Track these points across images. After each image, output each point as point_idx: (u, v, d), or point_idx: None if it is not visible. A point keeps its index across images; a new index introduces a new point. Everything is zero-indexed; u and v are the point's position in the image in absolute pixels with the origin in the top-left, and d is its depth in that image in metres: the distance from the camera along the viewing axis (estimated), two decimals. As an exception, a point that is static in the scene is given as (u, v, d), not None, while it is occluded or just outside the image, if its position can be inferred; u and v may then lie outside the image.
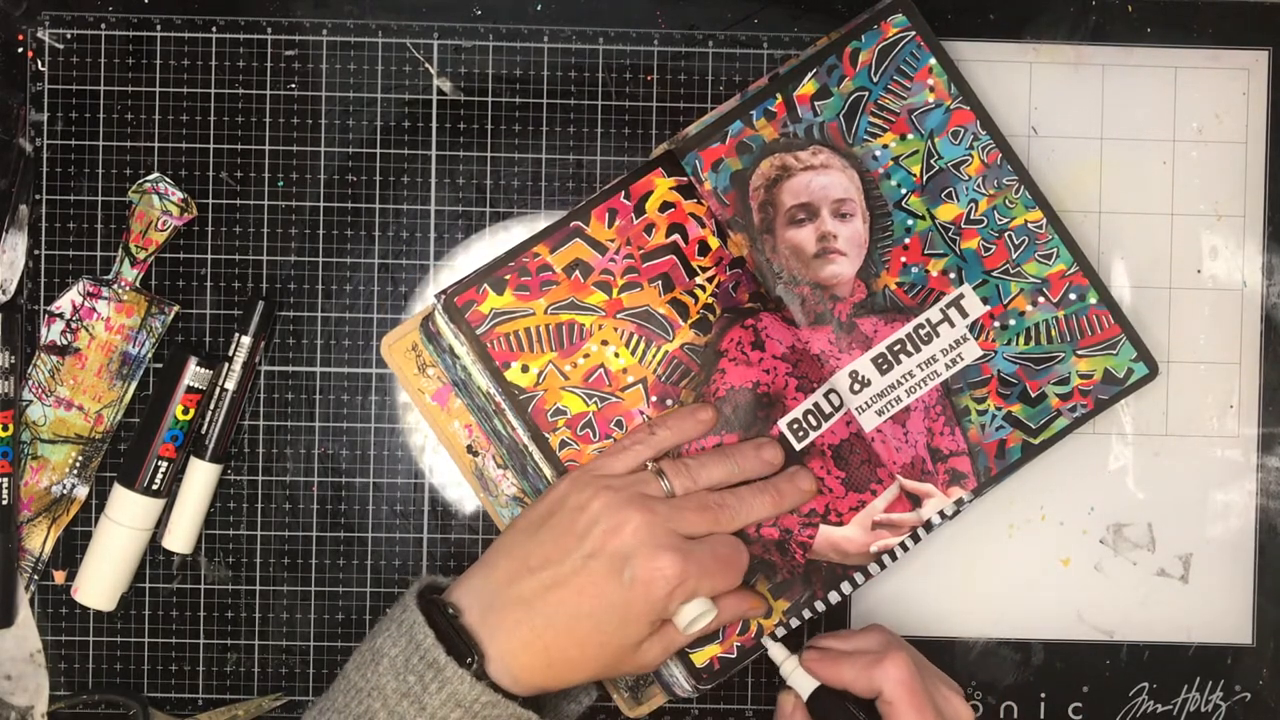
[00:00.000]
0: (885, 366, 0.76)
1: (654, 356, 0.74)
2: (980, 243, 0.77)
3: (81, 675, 0.79)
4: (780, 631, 0.74)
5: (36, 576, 0.79)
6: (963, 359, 0.76)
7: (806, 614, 0.74)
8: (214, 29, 0.79)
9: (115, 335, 0.78)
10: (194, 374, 0.77)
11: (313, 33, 0.79)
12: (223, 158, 0.79)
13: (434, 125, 0.80)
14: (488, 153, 0.80)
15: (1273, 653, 0.81)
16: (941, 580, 0.80)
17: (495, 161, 0.80)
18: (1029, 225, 0.77)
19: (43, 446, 0.78)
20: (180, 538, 0.78)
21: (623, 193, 0.74)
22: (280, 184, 0.79)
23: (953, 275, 0.76)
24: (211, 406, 0.78)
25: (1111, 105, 0.80)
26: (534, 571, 0.67)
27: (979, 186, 0.77)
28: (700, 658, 0.73)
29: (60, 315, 0.78)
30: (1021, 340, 0.77)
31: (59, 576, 0.79)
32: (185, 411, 0.77)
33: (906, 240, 0.76)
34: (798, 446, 0.75)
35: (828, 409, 0.75)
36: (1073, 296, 0.77)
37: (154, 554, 0.79)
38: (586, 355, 0.74)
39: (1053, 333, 0.77)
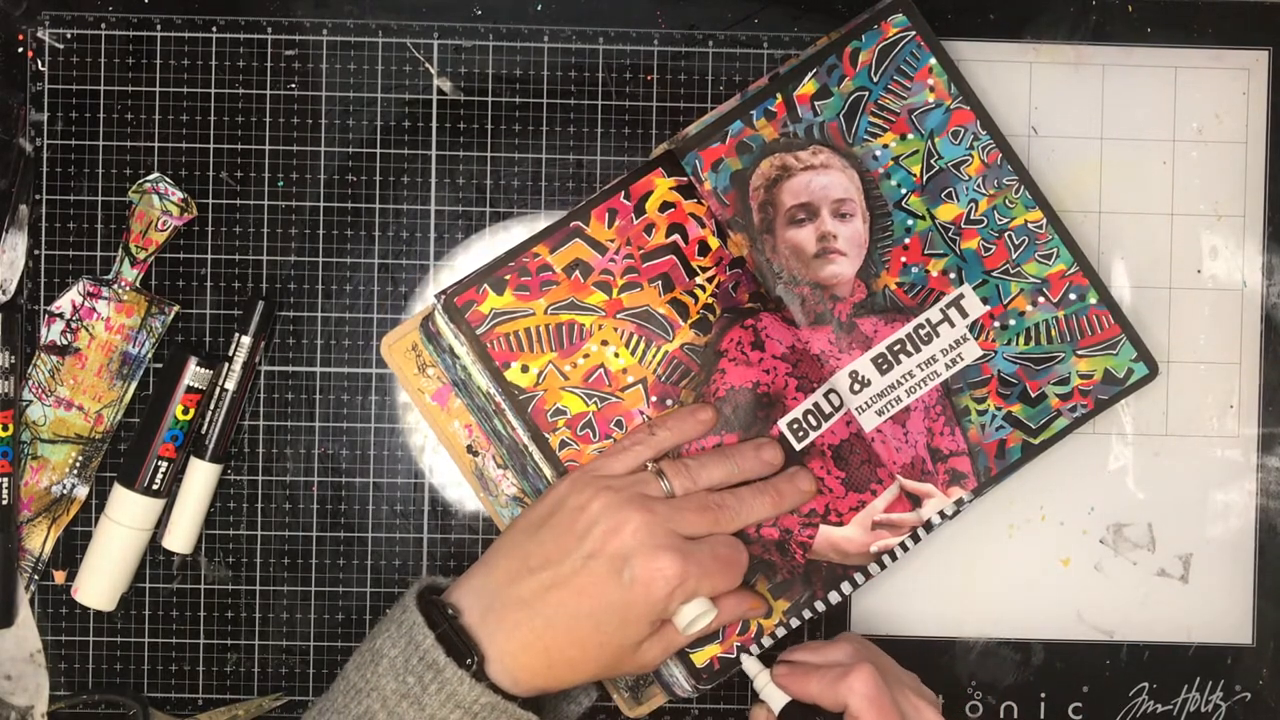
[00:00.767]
0: (885, 366, 0.76)
1: (654, 357, 0.74)
2: (980, 243, 0.77)
3: (81, 675, 0.79)
4: (781, 631, 0.74)
5: (36, 576, 0.79)
6: (963, 359, 0.76)
7: (807, 614, 0.74)
8: (214, 29, 0.79)
9: (115, 335, 0.78)
10: (194, 374, 0.77)
11: (313, 33, 0.79)
12: (223, 158, 0.79)
13: (434, 125, 0.80)
14: (488, 153, 0.80)
15: (1273, 653, 0.81)
16: (941, 580, 0.80)
17: (495, 161, 0.80)
18: (1029, 225, 0.77)
19: (43, 446, 0.78)
20: (180, 538, 0.78)
21: (623, 193, 0.74)
22: (280, 184, 0.79)
23: (953, 275, 0.76)
24: (211, 406, 0.78)
25: (1111, 105, 0.80)
26: (534, 572, 0.67)
27: (979, 186, 0.77)
28: (700, 658, 0.73)
29: (60, 315, 0.78)
30: (1021, 340, 0.77)
31: (59, 576, 0.79)
32: (185, 411, 0.77)
33: (906, 240, 0.76)
34: (798, 446, 0.75)
35: (828, 409, 0.75)
36: (1073, 296, 0.77)
37: (154, 554, 0.79)
38: (586, 355, 0.74)
39: (1053, 333, 0.77)
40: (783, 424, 0.74)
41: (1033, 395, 0.76)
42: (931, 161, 0.76)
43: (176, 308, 0.79)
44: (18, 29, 0.79)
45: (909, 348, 0.76)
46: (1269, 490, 0.81)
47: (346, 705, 0.66)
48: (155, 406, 0.77)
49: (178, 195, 0.78)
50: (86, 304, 0.78)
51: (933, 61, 0.76)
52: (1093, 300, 0.77)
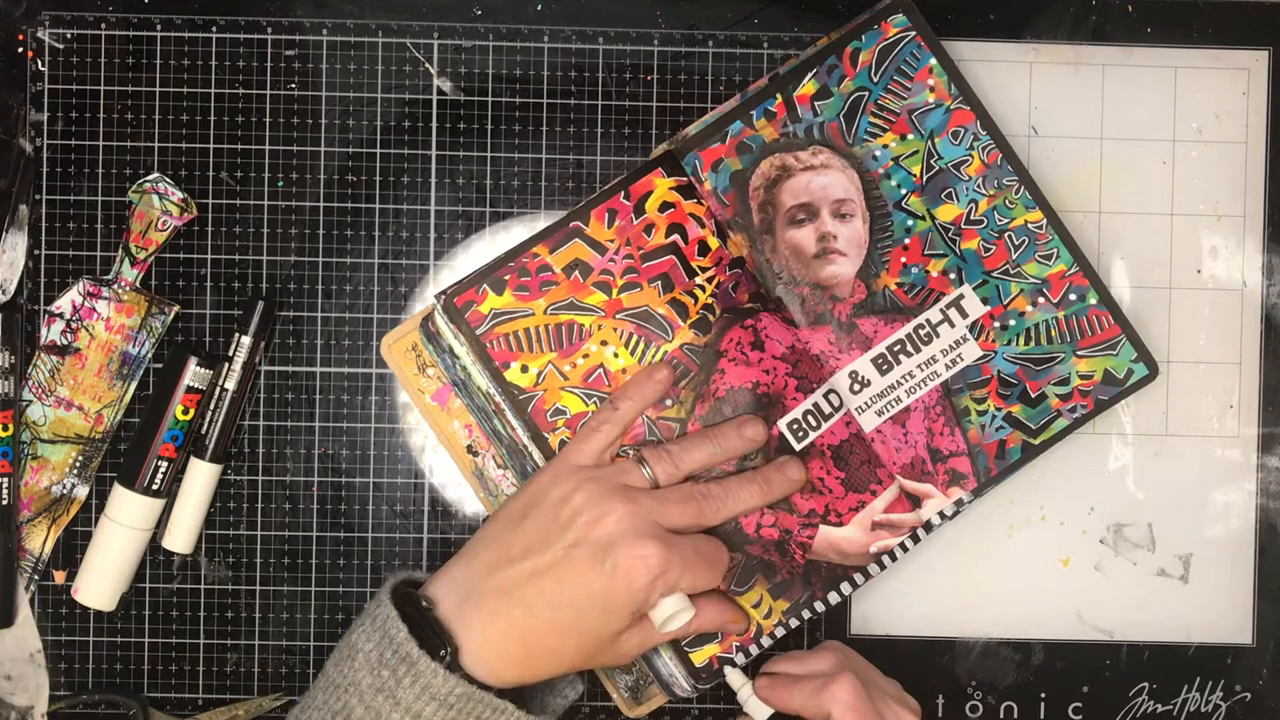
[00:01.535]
0: (885, 367, 0.76)
1: (653, 357, 0.74)
2: (980, 243, 0.77)
3: (81, 675, 0.79)
4: (780, 632, 0.74)
5: (36, 576, 0.79)
6: (963, 359, 0.76)
7: (806, 614, 0.74)
8: (214, 29, 0.79)
9: (115, 335, 0.78)
10: (194, 374, 0.77)
11: (313, 33, 0.79)
12: (223, 158, 0.79)
13: (434, 125, 0.80)
14: (488, 153, 0.80)
15: (1273, 653, 0.81)
16: (941, 580, 0.80)
17: (495, 161, 0.80)
18: (1029, 225, 0.77)
19: (43, 446, 0.78)
20: (180, 538, 0.78)
21: (622, 193, 0.74)
22: (280, 184, 0.79)
23: (953, 276, 0.76)
24: (211, 406, 0.78)
25: (1111, 105, 0.80)
26: (514, 561, 0.67)
27: (979, 187, 0.77)
28: (699, 657, 0.73)
29: (60, 315, 0.78)
30: (1021, 341, 0.77)
31: (59, 576, 0.79)
32: (185, 411, 0.77)
33: (906, 240, 0.76)
34: (797, 447, 0.75)
35: (827, 409, 0.75)
36: (1073, 297, 0.77)
37: (154, 554, 0.79)
38: (586, 355, 0.74)
39: (1053, 333, 0.77)
40: (782, 424, 0.74)
41: (1033, 396, 0.76)
42: (931, 162, 0.76)
43: (176, 308, 0.79)
44: (18, 29, 0.79)
45: (909, 348, 0.76)
46: (1269, 490, 0.81)
47: (325, 701, 0.66)
48: (155, 406, 0.77)
49: (178, 195, 0.78)
50: (86, 304, 0.78)
51: (933, 62, 0.76)
52: (1093, 301, 0.77)
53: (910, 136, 0.76)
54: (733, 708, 0.80)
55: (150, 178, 0.78)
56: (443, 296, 0.73)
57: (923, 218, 0.76)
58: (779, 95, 0.76)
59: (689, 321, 0.74)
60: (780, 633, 0.74)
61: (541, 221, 0.80)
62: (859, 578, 0.75)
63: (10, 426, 0.77)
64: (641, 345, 0.74)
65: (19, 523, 0.78)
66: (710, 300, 0.75)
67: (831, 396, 0.75)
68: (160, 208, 0.78)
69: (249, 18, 0.79)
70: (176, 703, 0.80)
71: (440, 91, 0.80)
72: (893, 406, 0.76)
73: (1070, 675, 0.81)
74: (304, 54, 0.79)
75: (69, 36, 0.79)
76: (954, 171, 0.76)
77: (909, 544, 0.75)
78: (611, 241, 0.74)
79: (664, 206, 0.75)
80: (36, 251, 0.79)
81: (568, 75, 0.80)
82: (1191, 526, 0.81)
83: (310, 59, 0.79)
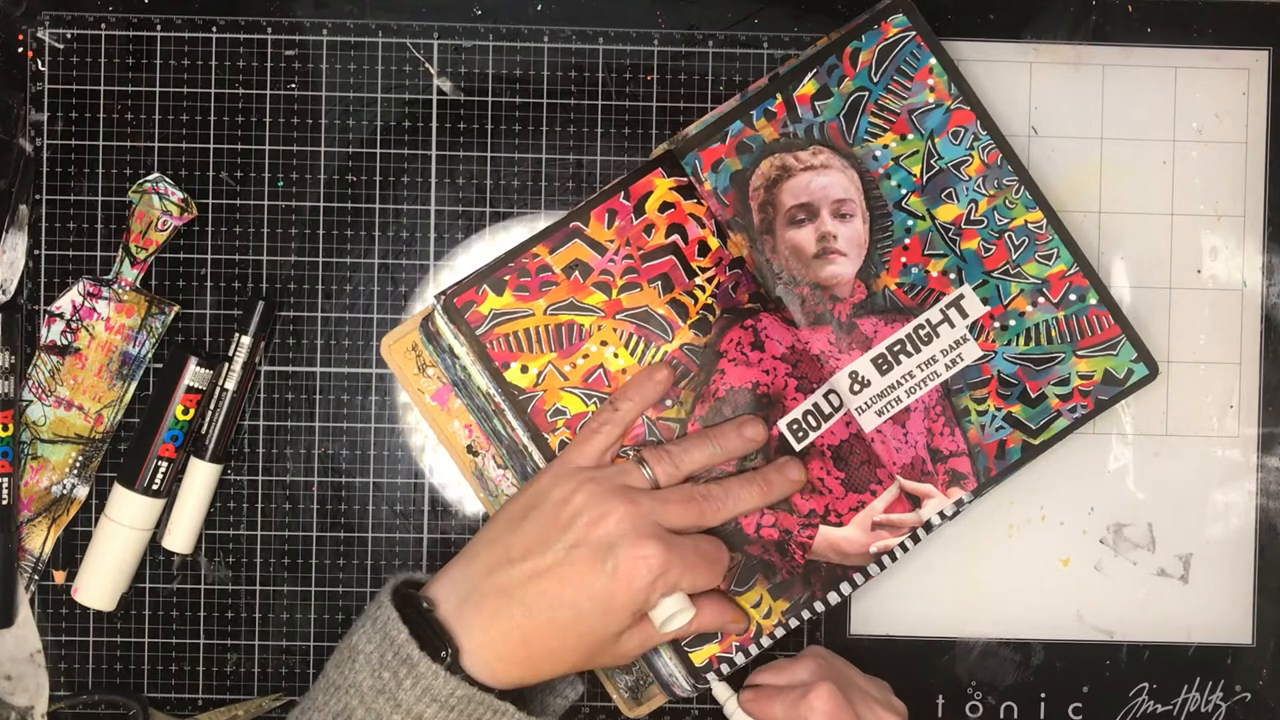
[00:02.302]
0: (885, 367, 0.76)
1: (653, 357, 0.74)
2: (980, 243, 0.77)
3: (81, 675, 0.79)
4: (780, 632, 0.74)
5: (36, 576, 0.79)
6: (963, 359, 0.76)
7: (806, 614, 0.74)
8: (214, 29, 0.79)
9: (115, 335, 0.78)
10: (194, 374, 0.77)
11: (313, 33, 0.79)
12: (223, 158, 0.79)
13: (434, 125, 0.80)
14: (488, 153, 0.80)
15: (1273, 653, 0.81)
16: (941, 580, 0.80)
17: (495, 161, 0.80)
18: (1029, 226, 0.77)
19: (43, 446, 0.78)
20: (180, 538, 0.78)
21: (622, 193, 0.74)
22: (280, 184, 0.79)
23: (953, 276, 0.76)
24: (211, 406, 0.78)
25: (1111, 105, 0.80)
26: (515, 562, 0.67)
27: (979, 187, 0.77)
28: (699, 657, 0.73)
29: (60, 315, 0.78)
30: (1021, 341, 0.77)
31: (59, 576, 0.79)
32: (185, 411, 0.77)
33: (906, 240, 0.76)
34: (797, 447, 0.75)
35: (827, 409, 0.75)
36: (1073, 297, 0.77)
37: (154, 554, 0.79)
38: (586, 356, 0.74)
39: (1053, 333, 0.77)
40: (782, 424, 0.74)
41: (1033, 396, 0.76)
42: (931, 162, 0.76)
43: (176, 308, 0.79)
44: (18, 29, 0.79)
45: (909, 348, 0.76)
46: (1269, 490, 0.81)
47: (326, 703, 0.66)
48: (155, 406, 0.77)
49: (178, 195, 0.78)
50: (86, 304, 0.78)
51: (933, 61, 0.76)
52: (1093, 301, 0.77)
53: (910, 136, 0.76)
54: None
55: (150, 178, 0.78)
56: (442, 297, 0.73)
57: (923, 218, 0.76)
58: (779, 95, 0.76)
59: (689, 322, 0.74)
60: (780, 633, 0.74)
61: (542, 221, 0.80)
62: (859, 578, 0.75)
63: (10, 426, 0.77)
64: (641, 345, 0.74)
65: (19, 523, 0.78)
66: (710, 300, 0.75)
67: (831, 397, 0.75)
68: (160, 208, 0.78)
69: (249, 18, 0.79)
70: (176, 703, 0.80)
71: (440, 91, 0.80)
72: (893, 406, 0.76)
73: (1070, 675, 0.81)
74: (304, 54, 0.79)
75: (69, 36, 0.79)
76: (954, 171, 0.76)
77: (909, 544, 0.75)
78: (611, 242, 0.74)
79: (664, 207, 0.75)
80: (36, 251, 0.79)
81: (568, 75, 0.80)
82: (1191, 526, 0.81)
83: (310, 59, 0.79)
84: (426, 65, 0.80)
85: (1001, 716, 0.81)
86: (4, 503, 0.77)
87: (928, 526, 0.75)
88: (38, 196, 0.79)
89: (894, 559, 0.75)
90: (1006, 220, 0.77)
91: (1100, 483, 0.81)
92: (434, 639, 0.66)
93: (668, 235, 0.75)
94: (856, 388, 0.76)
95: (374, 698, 0.65)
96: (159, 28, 0.79)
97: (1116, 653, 0.81)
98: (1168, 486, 0.81)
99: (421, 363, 0.78)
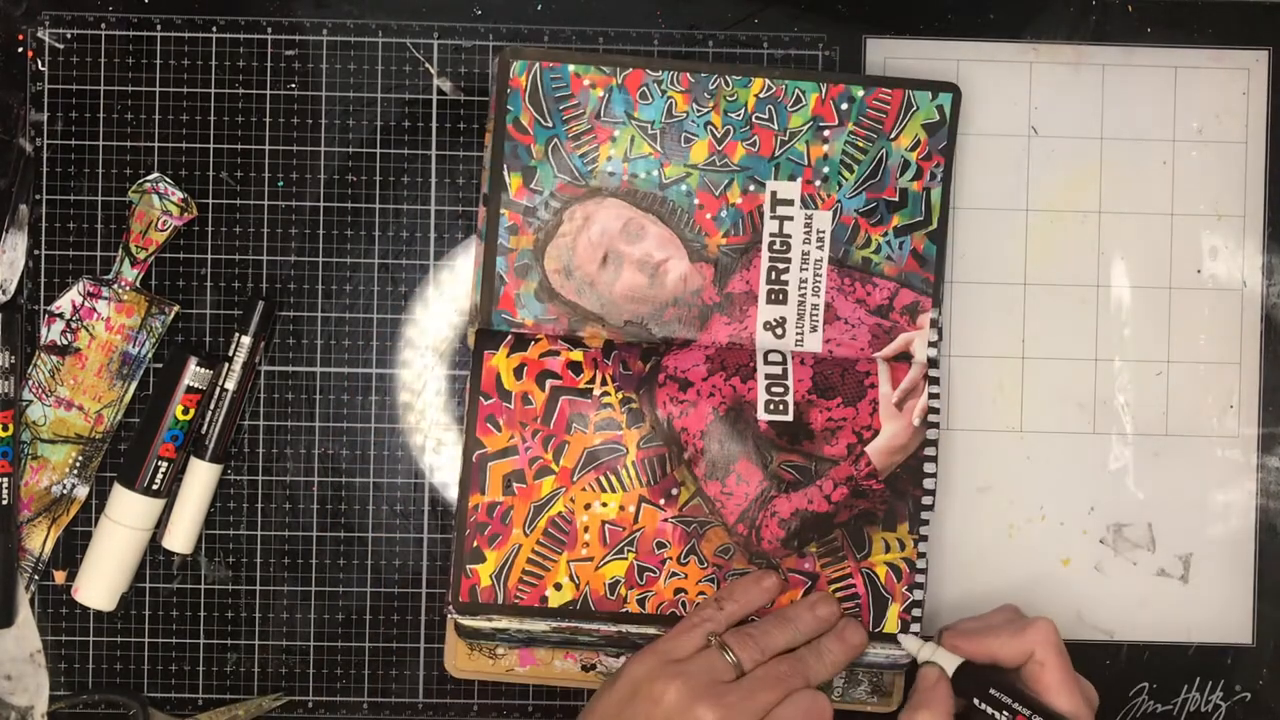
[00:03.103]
0: (780, 295, 0.76)
1: (629, 475, 0.75)
2: (743, 144, 0.77)
3: (81, 675, 0.79)
4: (923, 548, 0.75)
5: (36, 576, 0.79)
6: (824, 229, 0.77)
7: (923, 526, 0.76)
8: (214, 29, 0.79)
9: (115, 335, 0.78)
10: (194, 374, 0.77)
11: (313, 33, 0.79)
12: (223, 158, 0.79)
13: (434, 125, 0.80)
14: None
15: (1273, 653, 0.81)
16: (942, 580, 0.80)
17: (495, 161, 0.80)
18: (760, 97, 0.76)
19: (43, 446, 0.78)
20: (180, 538, 0.78)
21: (481, 397, 0.75)
22: (280, 184, 0.79)
23: (752, 187, 0.77)
24: (211, 406, 0.78)
25: (1111, 105, 0.80)
26: None
27: (698, 113, 0.76)
28: (890, 626, 0.76)
29: (60, 315, 0.78)
30: (846, 173, 0.77)
31: (59, 576, 0.79)
32: (185, 411, 0.77)
33: (695, 201, 0.76)
34: (789, 416, 0.75)
35: (778, 369, 0.76)
36: (844, 106, 0.77)
37: (154, 554, 0.79)
38: (588, 529, 0.74)
39: (859, 143, 0.77)
40: (763, 416, 0.75)
41: (895, 200, 0.77)
42: (649, 135, 0.76)
43: (176, 308, 0.79)
44: (18, 29, 0.79)
45: (780, 264, 0.77)
46: (1269, 490, 0.81)
47: None
48: (155, 406, 0.77)
49: (178, 195, 0.78)
50: (86, 304, 0.78)
51: (572, 68, 0.76)
52: (859, 91, 0.76)
53: (617, 135, 0.76)
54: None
55: (150, 178, 0.78)
56: (450, 609, 0.75)
57: (687, 173, 0.76)
58: (487, 207, 0.76)
59: (624, 427, 0.75)
60: (923, 549, 0.76)
61: (541, 221, 0.80)
62: (929, 454, 0.75)
63: (10, 426, 0.77)
64: (611, 478, 0.75)
65: (19, 523, 0.78)
66: (619, 395, 0.75)
67: (771, 356, 0.76)
68: (160, 208, 0.78)
69: (249, 18, 0.79)
70: (176, 703, 0.80)
71: (440, 91, 0.80)
72: (816, 315, 0.76)
73: (1070, 675, 0.81)
74: (304, 54, 0.79)
75: (69, 36, 0.79)
76: (671, 122, 0.76)
77: (935, 390, 0.76)
78: (513, 439, 0.75)
79: (519, 371, 0.75)
80: (36, 251, 0.79)
81: (568, 75, 0.80)
82: (1191, 526, 0.81)
83: (310, 59, 0.79)
84: (426, 65, 0.80)
85: (1001, 716, 0.81)
86: (4, 503, 0.77)
87: (934, 364, 0.76)
88: (38, 196, 0.79)
89: (937, 413, 0.76)
90: (742, 110, 0.77)
91: (1100, 483, 0.81)
92: None
93: (544, 388, 0.75)
94: (779, 331, 0.76)
95: None
96: (159, 28, 0.79)
97: (1116, 653, 0.81)
98: (1168, 486, 0.81)
99: (490, 650, 0.78)
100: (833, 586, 0.76)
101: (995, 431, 0.80)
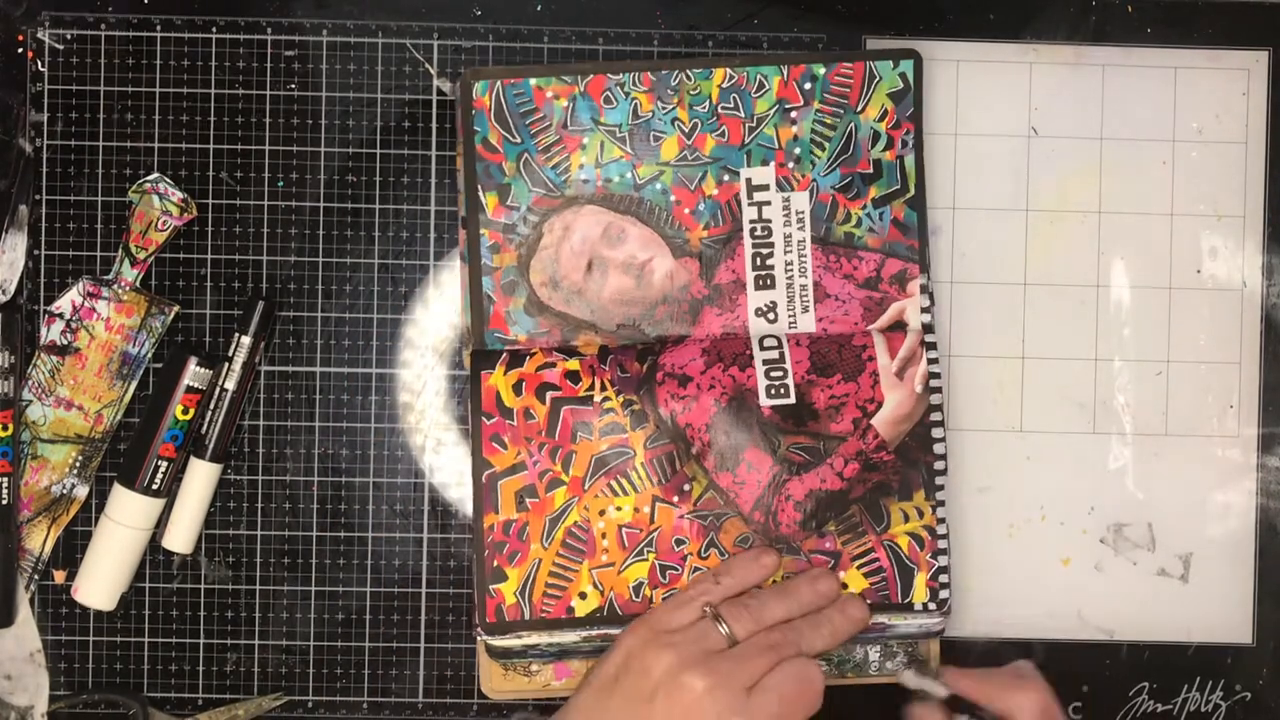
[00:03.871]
0: (767, 280, 0.77)
1: (639, 477, 0.75)
2: (712, 137, 0.77)
3: (81, 675, 0.79)
4: (942, 513, 0.75)
5: (36, 576, 0.79)
6: (803, 210, 0.77)
7: (939, 492, 0.76)
8: (214, 29, 0.79)
9: (115, 335, 0.78)
10: (194, 374, 0.77)
11: (313, 33, 0.79)
12: (223, 158, 0.79)
13: (434, 125, 0.80)
14: (488, 153, 0.80)
15: (1273, 653, 0.81)
16: (941, 580, 0.80)
17: (495, 161, 0.80)
18: (723, 87, 0.77)
19: (43, 446, 0.78)
20: (180, 537, 0.78)
21: (484, 417, 0.75)
22: (280, 184, 0.79)
23: (726, 176, 0.77)
24: (211, 406, 0.78)
25: (1111, 105, 0.80)
26: None
27: (663, 109, 0.77)
28: (919, 596, 0.76)
29: (60, 315, 0.78)
30: (818, 152, 0.77)
31: (59, 576, 0.79)
32: (185, 411, 0.77)
33: (671, 198, 0.77)
34: (792, 400, 0.75)
35: (775, 354, 0.76)
36: (807, 85, 0.77)
37: (154, 554, 0.79)
38: (605, 535, 0.74)
39: (828, 120, 0.77)
40: (765, 402, 0.75)
41: (871, 173, 0.77)
42: (617, 138, 0.77)
43: (176, 308, 0.79)
44: (18, 29, 0.79)
45: (764, 250, 0.77)
46: (1269, 490, 0.81)
47: None
48: (155, 406, 0.77)
49: (178, 195, 0.78)
50: (86, 304, 0.78)
51: (534, 81, 0.76)
52: (820, 69, 0.77)
53: (586, 142, 0.77)
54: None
55: (150, 178, 0.78)
56: (478, 630, 0.75)
57: (660, 172, 0.76)
58: (466, 227, 0.77)
59: (630, 430, 0.75)
60: (943, 514, 0.75)
61: (541, 221, 0.80)
62: (935, 419, 0.75)
63: (10, 426, 0.77)
64: (624, 481, 0.75)
65: (19, 523, 0.78)
66: (621, 399, 0.75)
67: (767, 341, 0.76)
68: (160, 208, 0.78)
69: (249, 18, 0.79)
70: (176, 703, 0.80)
71: (440, 92, 0.80)
72: (806, 295, 0.77)
73: (1070, 675, 0.81)
74: (304, 54, 0.79)
75: (69, 37, 0.79)
76: (637, 121, 0.77)
77: (934, 356, 0.76)
78: (519, 454, 0.75)
79: (517, 388, 0.75)
80: (36, 251, 0.79)
81: (568, 75, 0.80)
82: (1191, 526, 0.81)
83: (310, 59, 0.79)
84: (426, 65, 0.80)
85: (1001, 716, 0.81)
86: (4, 503, 0.77)
87: (929, 329, 0.76)
88: (38, 196, 0.79)
89: (939, 377, 0.76)
90: (706, 102, 0.77)
91: (1100, 483, 0.81)
92: None
93: (545, 401, 0.75)
94: (771, 315, 0.76)
95: None
96: (159, 28, 0.79)
97: (1116, 652, 0.81)
98: (1168, 486, 0.81)
99: (524, 668, 0.78)
100: (856, 563, 0.76)
101: (995, 431, 0.80)
